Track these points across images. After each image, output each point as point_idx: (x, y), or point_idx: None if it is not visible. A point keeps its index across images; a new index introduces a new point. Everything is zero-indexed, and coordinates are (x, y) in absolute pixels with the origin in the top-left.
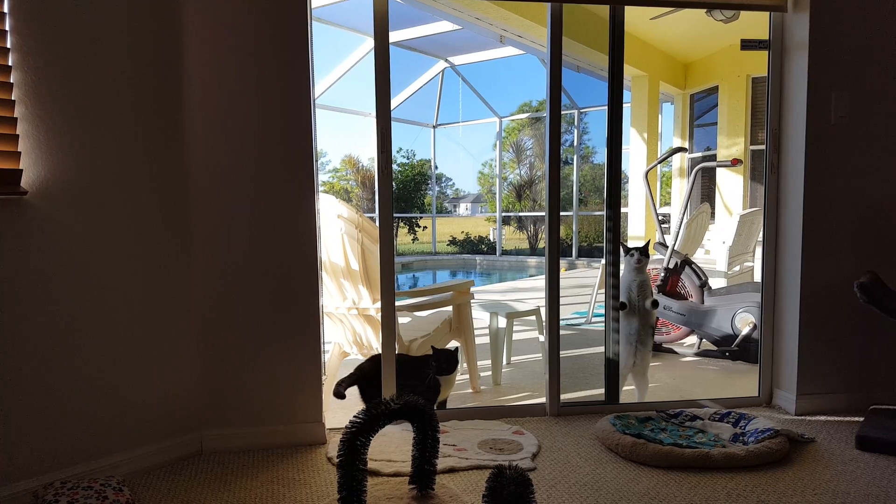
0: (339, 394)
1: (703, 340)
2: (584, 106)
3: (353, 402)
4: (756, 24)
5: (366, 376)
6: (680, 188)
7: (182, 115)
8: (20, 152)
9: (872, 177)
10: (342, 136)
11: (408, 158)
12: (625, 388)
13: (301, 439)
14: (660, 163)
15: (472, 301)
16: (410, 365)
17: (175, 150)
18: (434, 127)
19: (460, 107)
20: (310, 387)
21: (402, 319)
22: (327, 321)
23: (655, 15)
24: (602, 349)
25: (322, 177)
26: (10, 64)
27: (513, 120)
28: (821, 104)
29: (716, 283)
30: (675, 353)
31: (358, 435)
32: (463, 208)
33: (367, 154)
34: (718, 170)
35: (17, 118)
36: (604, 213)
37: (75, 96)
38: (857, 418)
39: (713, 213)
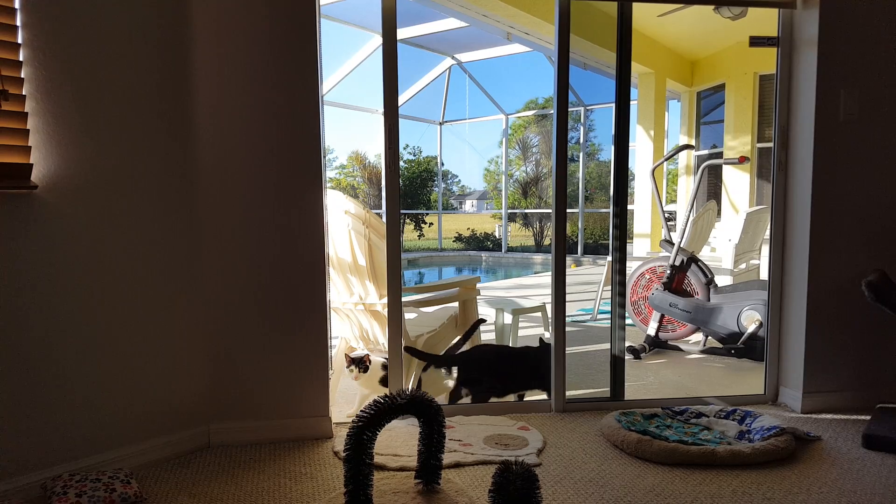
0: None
1: (709, 338)
2: (591, 103)
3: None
4: (763, 21)
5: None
6: (686, 185)
7: (191, 112)
8: (31, 147)
9: (881, 174)
10: (349, 132)
11: (414, 155)
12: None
13: (307, 433)
14: (666, 160)
15: (477, 297)
16: (509, 356)
17: (184, 147)
18: (441, 124)
19: (467, 104)
20: (316, 381)
21: (408, 315)
22: (334, 316)
23: (663, 12)
24: (607, 346)
25: (329, 173)
26: (21, 59)
27: (519, 117)
28: (829, 101)
29: (722, 280)
30: (681, 350)
31: (364, 429)
32: (469, 205)
33: (374, 150)
34: (725, 167)
35: (27, 113)
36: (609, 210)
37: (86, 92)
38: (863, 417)
39: (719, 211)
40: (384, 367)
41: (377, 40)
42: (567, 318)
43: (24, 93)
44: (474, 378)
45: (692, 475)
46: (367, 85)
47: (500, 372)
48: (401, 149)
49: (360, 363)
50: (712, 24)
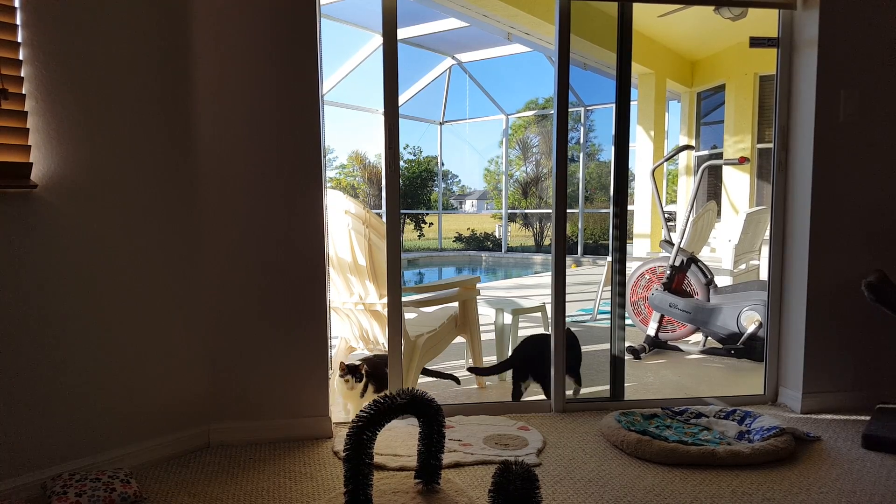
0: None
1: (709, 338)
2: (591, 103)
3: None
4: (763, 21)
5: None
6: (686, 186)
7: (191, 112)
8: (30, 146)
9: (881, 175)
10: (349, 132)
11: (414, 155)
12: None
13: (307, 433)
14: (666, 160)
15: (477, 297)
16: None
17: (184, 147)
18: (441, 124)
19: (467, 104)
20: (316, 381)
21: (408, 315)
22: (334, 316)
23: (663, 12)
24: (607, 346)
25: (329, 173)
26: (20, 58)
27: (519, 117)
28: (829, 102)
29: (722, 281)
30: (681, 350)
31: (364, 429)
32: (469, 205)
33: (374, 150)
34: (725, 168)
35: (27, 112)
36: (609, 210)
37: (86, 91)
38: (863, 417)
39: (719, 212)
40: (367, 373)
41: (377, 40)
42: (567, 319)
43: (23, 92)
44: (526, 370)
45: (692, 475)
46: (367, 85)
47: (545, 361)
48: (401, 149)
49: (356, 372)
50: (712, 25)
